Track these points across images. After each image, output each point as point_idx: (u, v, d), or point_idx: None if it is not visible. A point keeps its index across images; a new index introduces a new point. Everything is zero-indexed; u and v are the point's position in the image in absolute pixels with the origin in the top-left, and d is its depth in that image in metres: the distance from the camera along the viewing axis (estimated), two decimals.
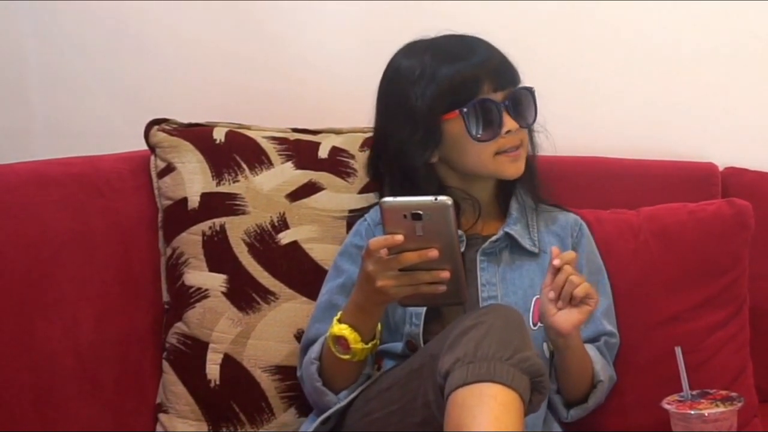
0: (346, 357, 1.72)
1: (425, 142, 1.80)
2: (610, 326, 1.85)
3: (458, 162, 1.83)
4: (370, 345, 1.72)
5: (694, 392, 1.66)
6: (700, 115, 2.14)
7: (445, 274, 1.61)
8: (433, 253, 1.60)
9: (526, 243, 1.84)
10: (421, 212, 1.59)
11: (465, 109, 1.78)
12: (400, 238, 1.60)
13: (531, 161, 1.87)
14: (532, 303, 1.80)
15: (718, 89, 2.13)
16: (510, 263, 1.84)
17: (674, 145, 2.12)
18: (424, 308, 1.78)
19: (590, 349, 1.80)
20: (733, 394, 1.66)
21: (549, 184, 1.91)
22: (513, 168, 1.82)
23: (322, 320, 1.82)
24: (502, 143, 1.80)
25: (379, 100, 1.87)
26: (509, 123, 1.80)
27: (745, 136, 2.13)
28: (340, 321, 1.72)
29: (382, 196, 1.84)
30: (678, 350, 1.67)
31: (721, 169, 2.08)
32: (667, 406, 1.63)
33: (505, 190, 1.89)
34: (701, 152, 2.09)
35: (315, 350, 1.78)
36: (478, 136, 1.79)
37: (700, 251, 1.91)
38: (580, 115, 2.15)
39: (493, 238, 1.84)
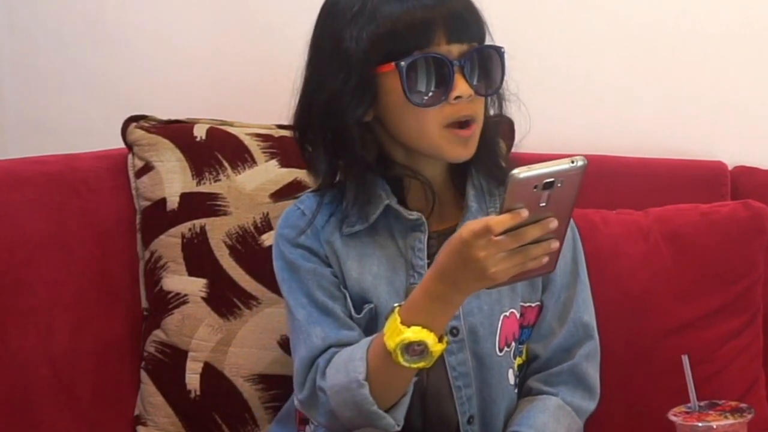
0: (421, 365, 1.46)
1: (358, 95, 1.53)
2: (591, 331, 1.68)
3: (396, 128, 1.56)
4: (444, 343, 1.47)
5: (702, 403, 1.60)
6: (707, 110, 2.09)
7: (555, 245, 1.40)
8: (554, 223, 1.38)
9: None
10: (554, 180, 1.35)
11: (403, 63, 1.50)
12: (525, 213, 1.35)
13: (490, 134, 1.63)
14: (499, 323, 1.60)
15: (726, 83, 2.08)
16: None
17: (681, 142, 2.08)
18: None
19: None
20: (743, 405, 1.60)
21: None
22: (462, 150, 1.55)
23: (326, 326, 1.57)
24: (449, 112, 1.53)
25: (310, 46, 1.61)
26: (461, 87, 1.52)
27: (756, 132, 2.08)
28: (405, 323, 1.45)
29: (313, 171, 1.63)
30: (685, 359, 1.61)
31: (730, 168, 2.04)
32: (673, 418, 1.57)
33: (459, 169, 1.64)
34: (709, 150, 2.05)
35: (358, 369, 1.49)
36: (417, 99, 1.51)
37: (715, 256, 1.86)
38: (581, 111, 2.11)
39: None
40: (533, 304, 1.65)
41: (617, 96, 2.11)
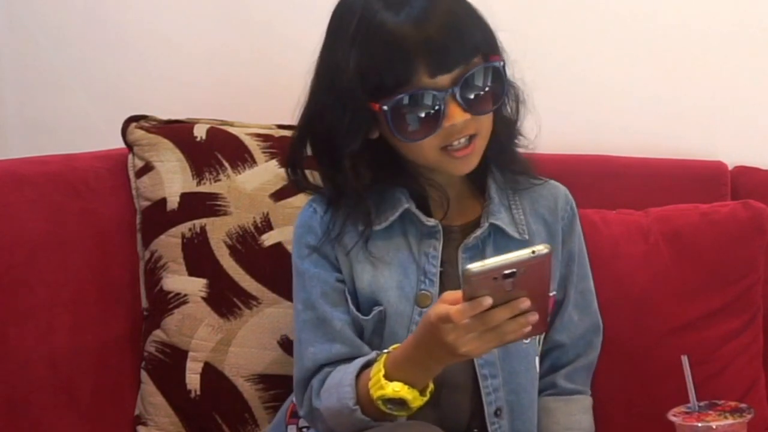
0: (403, 413, 1.49)
1: (353, 129, 1.51)
2: (600, 319, 1.74)
3: (398, 151, 1.56)
4: (428, 395, 1.50)
5: (702, 403, 1.60)
6: (707, 110, 2.09)
7: (534, 318, 1.40)
8: (525, 303, 1.39)
9: (513, 231, 1.62)
10: (515, 270, 1.35)
11: (386, 107, 1.48)
12: (488, 302, 1.36)
13: (505, 132, 1.62)
14: None
15: (726, 83, 2.07)
16: None
17: (681, 142, 2.08)
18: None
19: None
20: (743, 405, 1.60)
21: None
22: (463, 166, 1.55)
23: (318, 341, 1.58)
24: (446, 136, 1.51)
25: (318, 60, 1.58)
26: (455, 115, 1.49)
27: (756, 132, 2.07)
28: (388, 377, 1.47)
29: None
30: (684, 359, 1.61)
31: (730, 167, 2.03)
32: (673, 418, 1.57)
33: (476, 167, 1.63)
34: (709, 150, 2.05)
35: (348, 395, 1.51)
36: (406, 138, 1.50)
37: (715, 256, 1.85)
38: (582, 111, 2.11)
39: (478, 232, 1.60)
40: (551, 294, 1.64)
41: (618, 96, 2.10)
